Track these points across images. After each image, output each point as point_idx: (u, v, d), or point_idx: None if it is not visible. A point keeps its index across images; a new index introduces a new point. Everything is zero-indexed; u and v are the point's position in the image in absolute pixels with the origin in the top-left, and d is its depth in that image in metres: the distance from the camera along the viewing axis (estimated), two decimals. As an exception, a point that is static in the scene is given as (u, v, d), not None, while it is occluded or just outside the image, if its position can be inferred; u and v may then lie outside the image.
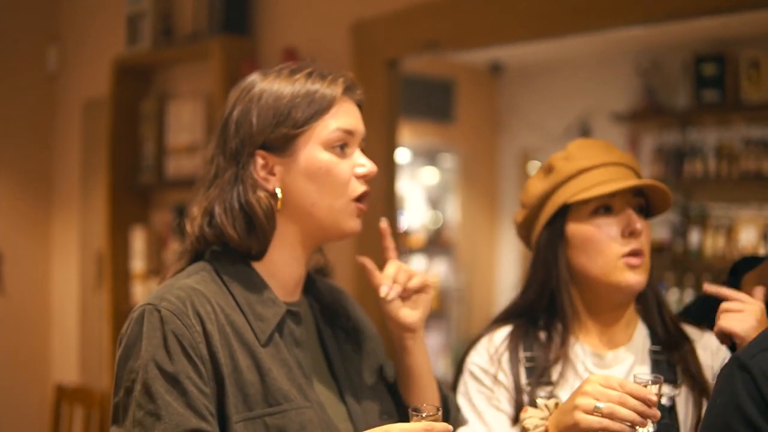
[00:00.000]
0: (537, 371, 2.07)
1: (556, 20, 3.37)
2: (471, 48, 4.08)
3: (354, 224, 1.85)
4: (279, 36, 4.38)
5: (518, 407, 2.03)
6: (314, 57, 4.05)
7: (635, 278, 2.04)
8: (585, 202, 2.07)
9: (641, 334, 2.14)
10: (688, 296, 6.82)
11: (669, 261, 7.30)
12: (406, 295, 1.95)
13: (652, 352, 2.11)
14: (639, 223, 2.04)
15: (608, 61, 7.71)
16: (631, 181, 2.04)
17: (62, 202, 5.70)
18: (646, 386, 1.74)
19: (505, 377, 2.08)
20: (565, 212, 2.10)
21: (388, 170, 3.84)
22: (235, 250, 1.80)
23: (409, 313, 1.95)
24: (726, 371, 1.22)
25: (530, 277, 2.18)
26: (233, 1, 4.43)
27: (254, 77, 1.85)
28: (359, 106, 1.89)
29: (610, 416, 1.71)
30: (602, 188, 2.03)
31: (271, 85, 1.81)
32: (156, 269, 4.84)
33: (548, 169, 2.14)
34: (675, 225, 7.36)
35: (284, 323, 1.79)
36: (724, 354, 2.11)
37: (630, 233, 2.04)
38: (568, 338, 2.10)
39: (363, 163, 1.85)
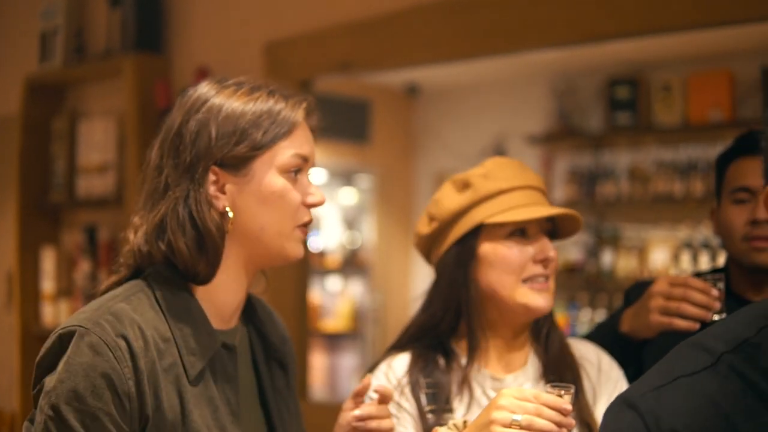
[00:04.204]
0: (438, 396, 2.06)
1: (470, 43, 3.39)
2: (384, 69, 4.09)
3: (299, 250, 1.80)
4: (193, 55, 4.34)
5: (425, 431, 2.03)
6: (227, 77, 4.02)
7: (542, 302, 2.07)
8: (501, 224, 2.07)
9: (535, 358, 2.16)
10: (600, 316, 6.90)
11: (582, 281, 7.39)
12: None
13: (545, 377, 2.12)
14: (552, 251, 2.06)
15: (523, 83, 7.79)
16: (553, 209, 2.06)
17: (-31, 222, 5.58)
18: (560, 396, 1.74)
19: (408, 403, 2.07)
20: (477, 231, 2.09)
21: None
22: (178, 271, 1.72)
23: None
24: (614, 408, 1.21)
25: (433, 295, 2.18)
26: (146, 19, 4.37)
27: (206, 89, 1.78)
28: (313, 131, 1.85)
29: (529, 428, 1.69)
30: (522, 213, 2.04)
31: (230, 101, 1.74)
32: (66, 289, 4.75)
33: (465, 185, 2.12)
34: (588, 246, 7.45)
35: (217, 358, 1.73)
36: (616, 378, 2.18)
37: (543, 260, 2.06)
38: (470, 362, 2.10)
39: (314, 192, 1.81)
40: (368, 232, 8.59)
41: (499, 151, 7.93)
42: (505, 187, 2.07)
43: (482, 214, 2.07)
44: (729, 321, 1.27)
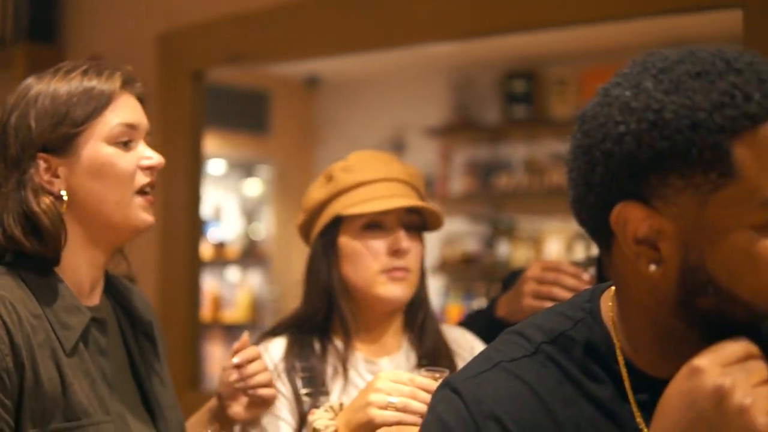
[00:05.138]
0: (313, 380, 2.11)
1: (365, 35, 3.42)
2: (277, 61, 4.12)
3: (145, 217, 1.82)
4: (86, 45, 4.27)
5: (299, 416, 2.07)
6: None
7: (397, 292, 2.12)
8: (358, 216, 2.12)
9: (409, 343, 2.22)
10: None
11: (479, 272, 7.49)
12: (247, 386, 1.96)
13: (419, 361, 2.19)
14: (405, 242, 2.10)
15: (422, 76, 7.85)
16: (402, 201, 2.10)
17: None
18: (435, 379, 1.81)
19: (284, 387, 2.11)
20: (338, 223, 2.15)
21: (193, 181, 3.84)
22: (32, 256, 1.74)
23: (238, 412, 1.97)
24: (439, 392, 1.27)
25: (306, 284, 2.24)
26: (39, 9, 4.28)
27: (29, 81, 1.80)
28: (141, 100, 1.86)
29: (404, 410, 1.77)
30: (375, 205, 2.09)
31: (47, 87, 1.76)
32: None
33: (328, 178, 2.19)
34: (485, 237, 7.56)
35: (89, 331, 1.76)
36: None
37: (395, 251, 2.10)
38: (346, 347, 2.15)
39: (149, 156, 1.82)
40: (268, 223, 8.58)
41: (399, 143, 7.99)
42: (365, 179, 2.12)
43: (340, 206, 2.13)
44: (549, 312, 1.33)
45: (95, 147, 1.76)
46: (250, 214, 8.70)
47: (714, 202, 1.08)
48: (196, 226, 3.91)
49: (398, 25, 3.33)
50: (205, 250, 7.76)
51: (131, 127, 1.80)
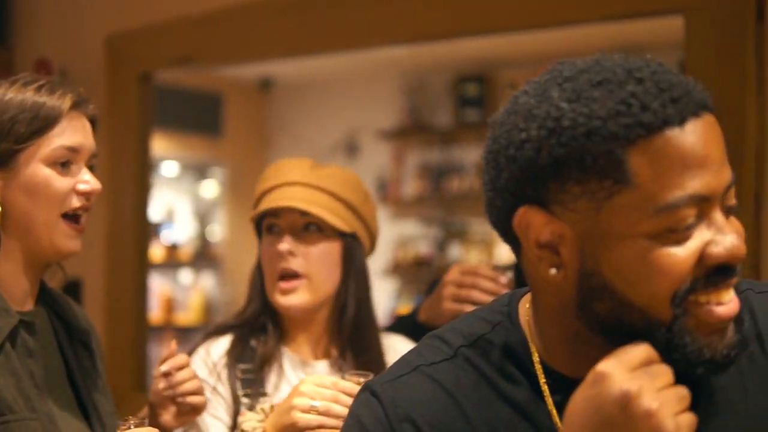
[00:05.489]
0: (253, 381, 2.12)
1: (315, 38, 3.44)
2: (227, 64, 4.13)
3: (71, 244, 1.82)
4: (35, 47, 4.24)
5: (236, 417, 2.09)
6: (67, 69, 3.99)
7: (286, 301, 2.15)
8: (261, 220, 2.19)
9: (346, 345, 2.24)
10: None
11: (430, 275, 7.52)
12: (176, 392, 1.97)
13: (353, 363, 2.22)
14: (286, 245, 2.12)
15: (375, 79, 7.88)
16: (277, 203, 2.13)
17: None
18: (359, 383, 1.86)
19: (224, 388, 2.13)
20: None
21: (141, 183, 3.86)
22: None
23: (168, 420, 1.97)
24: (359, 395, 1.31)
25: (250, 286, 2.27)
26: (-12, 10, 4.27)
27: None
28: (92, 121, 1.87)
29: (326, 413, 1.82)
30: (262, 206, 2.15)
31: (1, 97, 1.78)
32: None
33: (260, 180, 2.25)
34: (437, 240, 7.60)
35: (17, 333, 1.76)
36: None
37: (278, 255, 2.13)
38: (277, 346, 2.19)
39: (87, 180, 1.82)
40: (221, 226, 8.57)
41: (352, 146, 8.02)
42: (267, 186, 2.18)
43: (252, 213, 2.21)
44: (469, 316, 1.36)
45: (34, 166, 1.77)
46: (203, 216, 8.69)
47: (609, 209, 1.09)
48: (144, 229, 3.91)
49: (350, 29, 3.34)
50: (158, 252, 7.74)
51: (73, 150, 1.80)
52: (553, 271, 1.16)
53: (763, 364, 1.23)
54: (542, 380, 1.24)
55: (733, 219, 1.14)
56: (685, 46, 2.70)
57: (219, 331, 2.24)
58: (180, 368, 1.96)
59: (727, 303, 1.12)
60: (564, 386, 1.20)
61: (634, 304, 1.11)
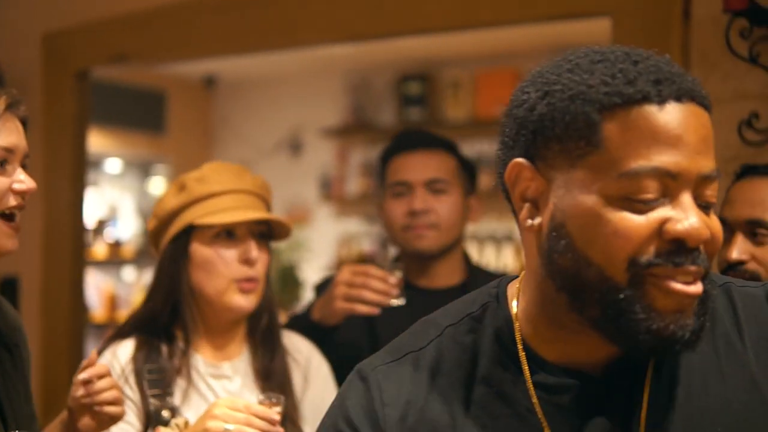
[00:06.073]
0: (160, 383, 2.17)
1: (252, 36, 3.49)
2: (164, 61, 4.15)
3: (8, 243, 1.84)
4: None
5: (146, 417, 2.14)
6: (2, 67, 3.96)
7: (244, 302, 2.21)
8: (211, 226, 2.20)
9: (251, 349, 2.31)
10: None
11: (375, 272, 7.54)
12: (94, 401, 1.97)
13: (258, 370, 2.28)
14: (255, 252, 2.19)
15: (319, 77, 7.90)
16: (254, 214, 2.20)
17: None
18: (270, 407, 1.94)
19: (131, 391, 2.16)
20: (190, 231, 2.22)
21: (77, 181, 3.87)
22: None
23: (87, 424, 1.97)
24: (350, 378, 1.35)
25: (154, 287, 2.29)
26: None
27: None
28: (24, 123, 1.88)
29: None
30: (228, 216, 2.17)
31: None
32: None
33: (181, 187, 2.25)
34: (380, 237, 7.63)
35: None
36: (324, 375, 2.38)
37: (245, 261, 2.19)
38: (189, 350, 2.22)
39: (22, 180, 1.84)
40: (165, 223, 8.54)
41: (295, 143, 8.03)
42: (217, 190, 2.21)
43: (192, 216, 2.20)
44: (461, 299, 1.40)
45: None
46: (147, 213, 8.65)
47: (580, 167, 1.17)
48: (81, 226, 3.92)
49: (291, 27, 3.38)
50: (101, 250, 7.71)
51: (8, 150, 1.81)
52: (529, 221, 1.23)
53: (740, 351, 1.27)
54: (523, 361, 1.28)
55: (712, 215, 1.19)
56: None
57: (124, 332, 2.27)
58: (100, 377, 1.96)
59: (687, 283, 1.16)
60: (545, 367, 1.26)
61: (592, 262, 1.16)
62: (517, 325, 1.30)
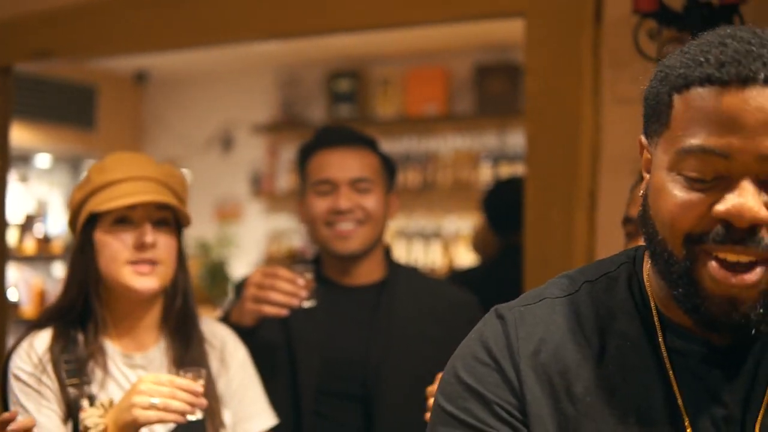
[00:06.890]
0: (78, 372, 2.19)
1: (180, 32, 3.51)
2: (87, 57, 4.14)
3: None
4: None
5: (66, 406, 2.16)
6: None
7: (140, 283, 2.22)
8: (109, 213, 2.22)
9: (166, 337, 2.34)
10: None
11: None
12: None
13: (174, 355, 2.31)
14: (150, 236, 2.21)
15: (250, 73, 7.93)
16: (142, 197, 2.21)
17: None
18: (194, 380, 2.01)
19: (50, 380, 2.18)
20: (94, 221, 2.25)
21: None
22: None
23: None
24: (487, 316, 1.41)
25: (68, 278, 2.31)
26: None
27: None
28: None
29: (165, 409, 1.95)
30: (120, 201, 2.19)
31: None
32: None
33: (86, 179, 2.28)
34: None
35: None
36: (242, 358, 2.41)
37: (140, 245, 2.21)
38: (99, 339, 2.25)
39: None
40: (95, 218, 8.49)
41: (227, 139, 8.05)
42: (114, 178, 2.23)
43: (93, 205, 2.23)
44: (597, 261, 1.47)
45: None
46: (77, 209, 8.60)
47: (659, 144, 1.26)
48: (2, 222, 3.93)
49: (219, 23, 3.40)
50: (30, 245, 7.66)
51: None
52: (641, 192, 1.32)
53: None
54: (656, 318, 1.33)
55: None
56: (525, 47, 2.82)
57: (41, 323, 2.29)
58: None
59: (735, 269, 1.18)
60: (674, 331, 1.32)
61: (658, 233, 1.24)
62: (648, 287, 1.36)
